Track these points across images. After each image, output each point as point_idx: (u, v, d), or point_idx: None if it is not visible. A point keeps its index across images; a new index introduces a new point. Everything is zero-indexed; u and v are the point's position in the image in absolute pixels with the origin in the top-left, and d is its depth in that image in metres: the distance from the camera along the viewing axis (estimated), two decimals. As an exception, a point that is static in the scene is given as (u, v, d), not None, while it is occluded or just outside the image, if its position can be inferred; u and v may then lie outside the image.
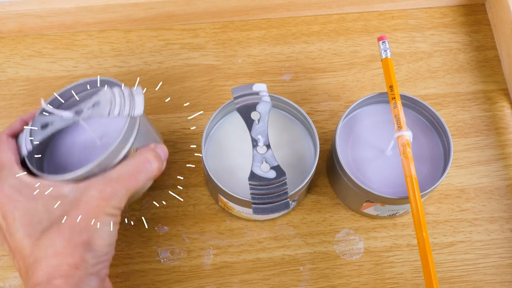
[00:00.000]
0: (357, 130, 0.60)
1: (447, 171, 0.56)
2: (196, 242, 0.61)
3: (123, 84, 0.55)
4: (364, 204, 0.59)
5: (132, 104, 0.53)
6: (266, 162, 0.55)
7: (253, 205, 0.54)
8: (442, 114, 0.67)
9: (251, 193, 0.54)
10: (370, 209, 0.60)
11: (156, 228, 0.61)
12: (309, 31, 0.71)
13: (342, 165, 0.57)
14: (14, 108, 0.66)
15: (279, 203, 0.54)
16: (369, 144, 0.60)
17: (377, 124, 0.61)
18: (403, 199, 0.56)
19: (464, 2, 0.73)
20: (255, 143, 0.56)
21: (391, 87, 0.58)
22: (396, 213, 0.60)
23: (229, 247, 0.61)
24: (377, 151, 0.59)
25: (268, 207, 0.54)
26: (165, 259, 0.60)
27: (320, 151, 0.65)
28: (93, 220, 0.48)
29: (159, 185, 0.63)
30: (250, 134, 0.56)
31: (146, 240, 0.61)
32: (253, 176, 0.54)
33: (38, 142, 0.53)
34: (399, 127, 0.56)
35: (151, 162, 0.51)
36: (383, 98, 0.60)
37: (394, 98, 0.57)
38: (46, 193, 0.49)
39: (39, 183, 0.49)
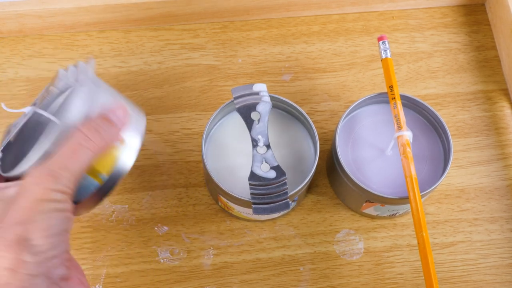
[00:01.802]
0: (357, 130, 0.60)
1: (447, 171, 0.56)
2: (196, 242, 0.61)
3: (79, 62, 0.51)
4: (364, 204, 0.59)
5: (78, 73, 0.49)
6: (266, 162, 0.55)
7: (253, 205, 0.54)
8: (442, 114, 0.67)
9: (251, 193, 0.54)
10: (370, 209, 0.60)
11: (156, 228, 0.61)
12: (309, 31, 0.71)
13: (342, 165, 0.57)
14: (14, 108, 0.66)
15: (279, 203, 0.54)
16: (369, 144, 0.60)
17: (377, 124, 0.61)
18: (403, 199, 0.56)
19: (464, 2, 0.73)
20: (255, 143, 0.56)
21: (391, 87, 0.58)
22: (396, 213, 0.60)
23: (229, 247, 0.61)
24: (377, 151, 0.59)
25: (268, 207, 0.54)
26: (165, 259, 0.60)
27: (320, 151, 0.64)
28: (28, 210, 0.40)
29: (159, 185, 0.63)
30: (250, 134, 0.56)
31: (146, 240, 0.61)
32: (253, 176, 0.54)
33: (2, 148, 0.48)
34: (399, 127, 0.56)
35: (88, 136, 0.44)
36: (383, 98, 0.60)
37: (394, 98, 0.57)
38: None
39: None
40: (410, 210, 0.60)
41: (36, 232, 0.40)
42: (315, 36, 0.71)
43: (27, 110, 0.49)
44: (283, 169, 0.55)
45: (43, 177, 0.41)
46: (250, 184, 0.54)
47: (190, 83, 0.68)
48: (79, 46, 0.69)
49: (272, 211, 0.54)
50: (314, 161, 0.57)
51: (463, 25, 0.72)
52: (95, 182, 0.46)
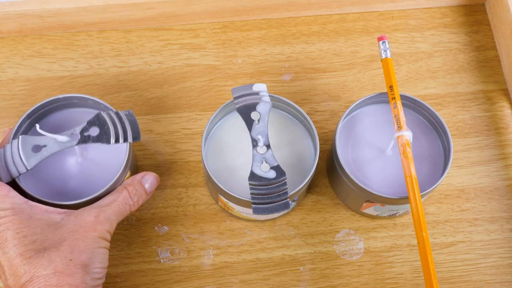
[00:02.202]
0: (357, 130, 0.60)
1: (447, 171, 0.56)
2: (196, 242, 0.61)
3: (113, 108, 0.57)
4: (364, 204, 0.59)
5: (128, 129, 0.56)
6: (266, 162, 0.55)
7: (253, 205, 0.54)
8: (442, 114, 0.67)
9: (251, 193, 0.54)
10: (370, 209, 0.60)
11: (156, 228, 0.61)
12: (309, 31, 0.71)
13: (342, 165, 0.57)
14: (14, 108, 0.66)
15: (279, 203, 0.54)
16: (369, 144, 0.60)
17: (377, 124, 0.61)
18: (403, 199, 0.56)
19: (464, 2, 0.73)
20: (255, 143, 0.56)
21: (391, 87, 0.58)
22: (396, 213, 0.60)
23: (229, 247, 0.61)
24: (377, 151, 0.59)
25: (268, 207, 0.54)
26: (165, 259, 0.60)
27: (320, 151, 0.65)
28: (91, 242, 0.50)
29: (159, 185, 0.63)
30: (250, 134, 0.56)
31: (146, 240, 0.61)
32: (253, 176, 0.54)
33: (31, 167, 0.54)
34: (399, 127, 0.56)
35: (131, 197, 0.55)
36: (383, 98, 0.60)
37: (394, 98, 0.57)
38: (37, 217, 0.50)
39: (31, 207, 0.51)
40: (410, 210, 0.60)
41: (96, 262, 0.49)
42: (315, 36, 0.71)
43: (63, 139, 0.55)
44: (283, 169, 0.55)
45: (103, 220, 0.51)
46: (250, 184, 0.54)
47: (190, 83, 0.68)
48: (79, 46, 0.69)
49: (272, 211, 0.53)
50: (314, 161, 0.57)
51: (463, 25, 0.72)
52: None
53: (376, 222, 0.62)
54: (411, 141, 0.56)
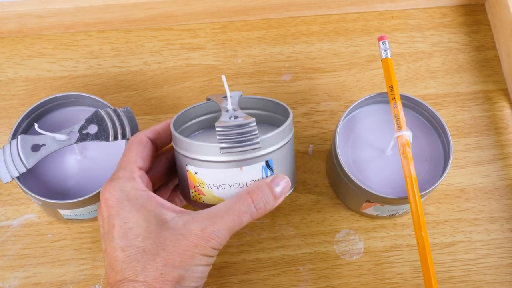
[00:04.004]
0: (357, 130, 0.60)
1: (447, 171, 0.56)
2: (196, 242, 0.61)
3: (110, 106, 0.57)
4: (364, 204, 0.59)
5: (126, 126, 0.55)
6: (236, 117, 0.50)
7: (221, 145, 0.48)
8: (442, 114, 0.67)
9: (219, 137, 0.48)
10: (370, 209, 0.60)
11: (156, 228, 0.61)
12: (309, 31, 0.71)
13: (342, 165, 0.57)
14: (14, 108, 0.66)
15: (249, 142, 0.48)
16: (369, 144, 0.60)
17: (377, 124, 0.61)
18: (403, 199, 0.56)
19: (464, 2, 0.73)
20: (225, 108, 0.51)
21: (391, 87, 0.58)
22: (396, 213, 0.60)
23: (228, 247, 0.61)
24: (377, 151, 0.59)
25: (237, 145, 0.48)
26: (165, 259, 0.60)
27: (320, 151, 0.65)
28: (189, 258, 0.46)
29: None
30: (220, 106, 0.52)
31: (146, 240, 0.61)
32: (219, 122, 0.49)
33: (31, 167, 0.54)
34: (399, 127, 0.56)
35: (255, 206, 0.48)
36: (382, 98, 0.60)
37: (394, 98, 0.57)
38: (148, 209, 0.48)
39: (147, 198, 0.48)
40: (410, 210, 0.60)
41: (190, 279, 0.46)
42: (315, 36, 0.71)
43: (61, 137, 0.55)
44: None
45: (209, 236, 0.46)
46: (217, 128, 0.48)
47: (190, 83, 0.68)
48: (79, 46, 0.69)
49: (240, 145, 0.48)
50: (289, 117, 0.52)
51: (463, 25, 0.72)
52: None
53: (376, 222, 0.62)
54: (411, 141, 0.56)
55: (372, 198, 0.57)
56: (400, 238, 0.62)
